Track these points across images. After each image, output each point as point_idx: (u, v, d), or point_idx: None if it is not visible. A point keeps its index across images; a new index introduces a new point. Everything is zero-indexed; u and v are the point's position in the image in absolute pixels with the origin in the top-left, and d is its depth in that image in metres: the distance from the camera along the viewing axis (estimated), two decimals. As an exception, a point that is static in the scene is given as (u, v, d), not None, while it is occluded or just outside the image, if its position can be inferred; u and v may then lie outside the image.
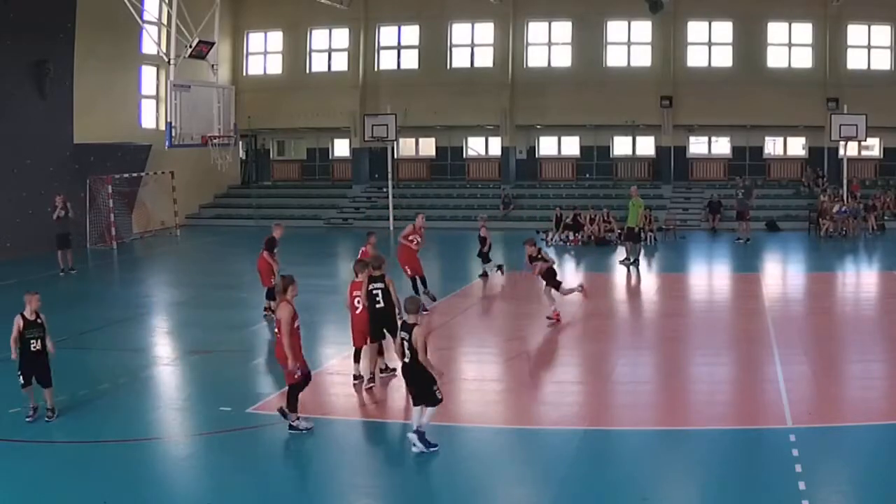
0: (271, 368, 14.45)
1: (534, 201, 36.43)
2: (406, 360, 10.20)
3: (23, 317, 11.19)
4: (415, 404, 10.32)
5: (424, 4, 37.46)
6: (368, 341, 12.64)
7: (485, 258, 22.17)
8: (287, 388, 10.92)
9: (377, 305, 12.50)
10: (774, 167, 36.75)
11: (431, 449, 10.04)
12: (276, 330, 11.07)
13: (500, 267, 22.42)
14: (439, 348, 15.25)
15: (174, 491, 9.46)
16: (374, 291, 12.53)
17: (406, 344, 10.13)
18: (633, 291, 22.42)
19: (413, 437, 10.10)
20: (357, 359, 12.98)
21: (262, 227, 33.22)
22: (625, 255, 25.20)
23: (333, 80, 38.87)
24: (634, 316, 19.21)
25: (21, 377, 11.25)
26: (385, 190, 35.48)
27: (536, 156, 38.82)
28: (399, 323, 10.98)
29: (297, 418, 10.79)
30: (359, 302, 12.55)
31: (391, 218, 34.09)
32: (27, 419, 11.24)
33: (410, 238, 18.57)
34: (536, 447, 10.78)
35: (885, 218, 31.58)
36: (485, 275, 22.12)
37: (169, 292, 17.67)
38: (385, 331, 12.68)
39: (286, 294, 10.84)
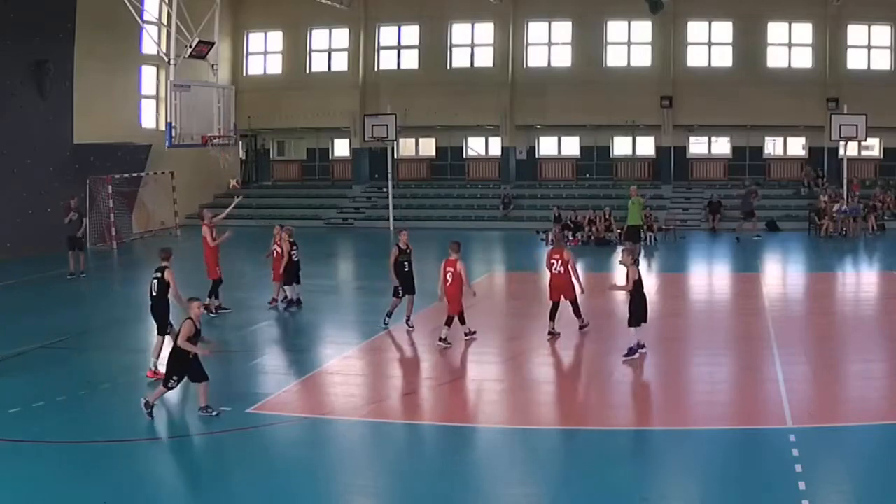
0: (271, 368, 14.48)
1: (534, 201, 36.43)
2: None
3: None
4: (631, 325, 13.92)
5: (424, 4, 37.44)
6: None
7: (296, 279, 18.59)
8: None
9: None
10: (774, 167, 36.72)
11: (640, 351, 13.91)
12: None
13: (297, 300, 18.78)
14: (439, 347, 15.26)
15: (174, 491, 9.46)
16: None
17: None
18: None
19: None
20: (449, 323, 14.99)
21: (263, 227, 33.20)
22: (625, 256, 25.16)
23: (333, 80, 38.87)
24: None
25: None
26: (385, 190, 35.46)
27: (536, 156, 38.79)
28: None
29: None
30: (450, 276, 14.83)
31: (391, 218, 34.07)
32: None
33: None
34: (536, 447, 10.78)
35: (885, 218, 31.58)
36: (297, 302, 18.63)
37: (169, 292, 17.87)
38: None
39: None
